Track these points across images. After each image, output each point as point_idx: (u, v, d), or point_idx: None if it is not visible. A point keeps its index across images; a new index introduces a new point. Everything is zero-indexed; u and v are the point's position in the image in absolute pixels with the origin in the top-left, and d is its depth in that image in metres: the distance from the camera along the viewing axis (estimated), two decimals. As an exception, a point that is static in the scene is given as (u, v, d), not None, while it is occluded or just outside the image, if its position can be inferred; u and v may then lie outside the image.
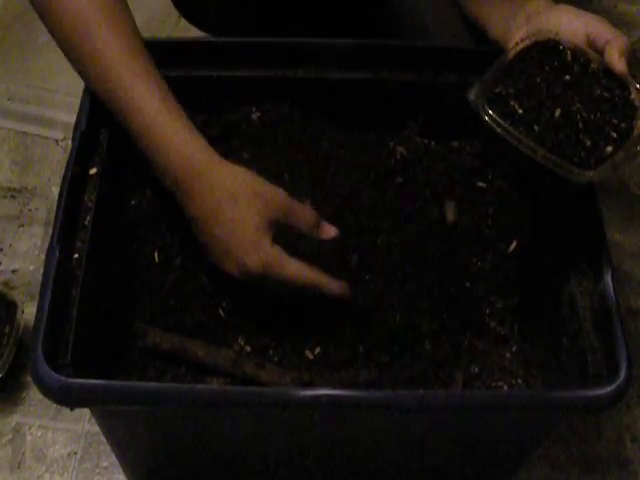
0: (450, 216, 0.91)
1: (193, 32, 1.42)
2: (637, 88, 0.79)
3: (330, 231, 0.83)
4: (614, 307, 0.73)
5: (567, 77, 0.80)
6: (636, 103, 0.78)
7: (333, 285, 0.81)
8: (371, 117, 0.95)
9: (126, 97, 0.79)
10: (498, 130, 0.77)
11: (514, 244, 0.90)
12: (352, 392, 0.69)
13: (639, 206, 1.22)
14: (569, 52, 0.81)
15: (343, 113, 0.95)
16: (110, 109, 0.81)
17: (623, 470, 0.98)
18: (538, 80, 0.80)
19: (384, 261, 0.89)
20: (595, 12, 0.83)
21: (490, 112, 0.78)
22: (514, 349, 0.92)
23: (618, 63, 0.77)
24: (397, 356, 0.87)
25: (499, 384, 0.90)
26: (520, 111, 0.78)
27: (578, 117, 0.78)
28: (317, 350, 0.87)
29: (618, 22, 1.46)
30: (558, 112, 0.78)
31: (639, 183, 1.25)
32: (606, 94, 0.79)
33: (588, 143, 0.76)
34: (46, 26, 0.82)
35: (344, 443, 0.81)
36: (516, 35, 0.86)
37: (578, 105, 0.79)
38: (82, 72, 0.82)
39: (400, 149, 0.96)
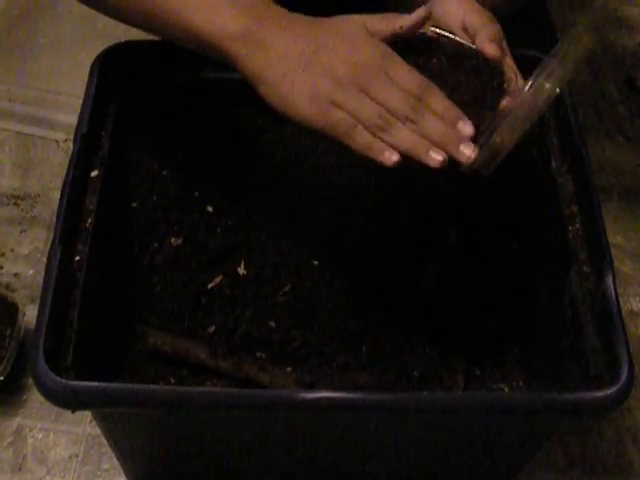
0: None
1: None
2: (512, 71, 0.73)
3: None
4: (615, 309, 0.73)
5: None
6: (505, 86, 0.72)
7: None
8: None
9: None
10: None
11: (514, 245, 0.90)
12: (353, 394, 0.69)
13: (640, 208, 1.22)
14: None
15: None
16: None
17: (624, 473, 0.98)
18: None
19: (381, 265, 0.89)
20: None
21: None
22: (515, 351, 0.92)
23: (489, 48, 0.74)
24: (398, 358, 0.87)
25: (500, 386, 0.90)
26: None
27: None
28: (317, 352, 0.88)
29: (620, 25, 1.45)
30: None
31: (639, 185, 1.25)
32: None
33: None
34: None
35: (344, 445, 0.81)
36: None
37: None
38: None
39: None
